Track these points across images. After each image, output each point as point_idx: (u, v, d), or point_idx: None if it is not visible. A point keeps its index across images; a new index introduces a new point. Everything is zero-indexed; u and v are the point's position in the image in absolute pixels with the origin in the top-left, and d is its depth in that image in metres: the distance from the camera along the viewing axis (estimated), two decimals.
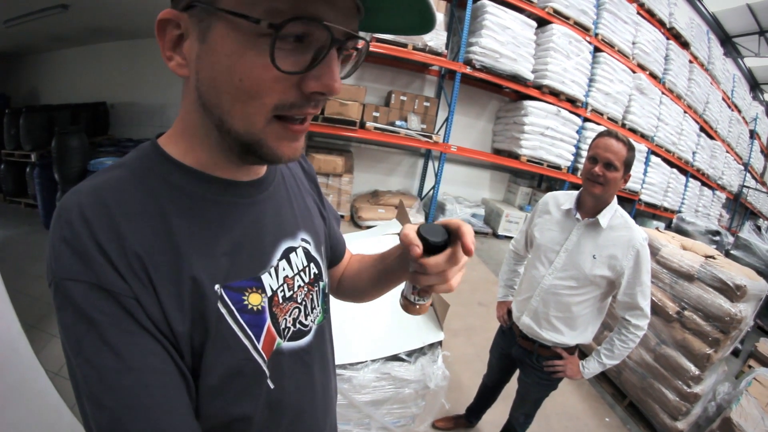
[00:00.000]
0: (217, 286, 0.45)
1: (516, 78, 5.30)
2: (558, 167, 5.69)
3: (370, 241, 1.93)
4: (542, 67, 5.50)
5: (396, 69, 5.45)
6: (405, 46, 4.64)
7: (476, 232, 5.51)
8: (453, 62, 5.06)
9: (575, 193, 1.48)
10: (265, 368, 0.50)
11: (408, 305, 0.55)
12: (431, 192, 5.46)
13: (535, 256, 1.51)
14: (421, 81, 5.76)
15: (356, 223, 4.94)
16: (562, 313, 1.43)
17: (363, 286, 0.76)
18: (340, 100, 4.50)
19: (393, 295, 1.70)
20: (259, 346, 0.49)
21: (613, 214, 1.37)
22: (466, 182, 6.40)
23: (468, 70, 5.07)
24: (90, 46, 4.69)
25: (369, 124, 4.67)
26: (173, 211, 0.44)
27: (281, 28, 0.36)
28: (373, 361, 1.35)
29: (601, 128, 6.14)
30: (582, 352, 1.57)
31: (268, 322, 0.50)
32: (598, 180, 1.30)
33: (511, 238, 6.05)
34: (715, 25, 9.79)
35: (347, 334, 1.37)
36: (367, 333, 1.41)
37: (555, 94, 5.65)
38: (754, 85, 12.49)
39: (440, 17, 4.86)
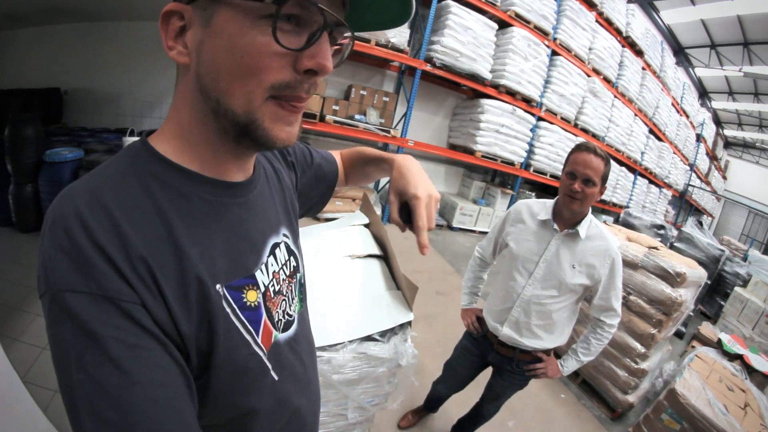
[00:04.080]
0: (218, 286, 0.43)
1: (474, 77, 5.15)
2: (511, 163, 5.59)
3: (337, 233, 1.83)
4: (500, 67, 5.36)
5: (357, 63, 5.21)
6: (368, 41, 4.42)
7: None
8: (414, 59, 4.87)
9: (548, 202, 1.38)
10: (266, 361, 0.49)
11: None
12: (388, 185, 5.24)
13: (512, 266, 1.40)
14: (381, 76, 5.54)
15: (314, 215, 4.72)
16: (543, 320, 1.38)
17: (363, 174, 0.83)
18: None
19: (363, 280, 1.52)
20: (259, 341, 0.48)
21: (589, 224, 1.31)
22: None
23: (428, 67, 4.89)
24: (43, 27, 4.16)
25: (329, 117, 4.44)
26: (172, 211, 0.41)
27: (284, 2, 0.37)
28: (350, 341, 1.34)
29: (555, 127, 6.08)
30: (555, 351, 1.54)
31: (264, 316, 0.49)
32: (577, 196, 1.24)
33: (465, 230, 5.97)
34: (669, 36, 9.80)
35: (326, 319, 1.37)
36: (343, 317, 1.41)
37: (511, 93, 5.52)
38: (703, 93, 12.63)
39: None
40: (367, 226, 1.89)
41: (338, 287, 1.51)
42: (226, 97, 0.40)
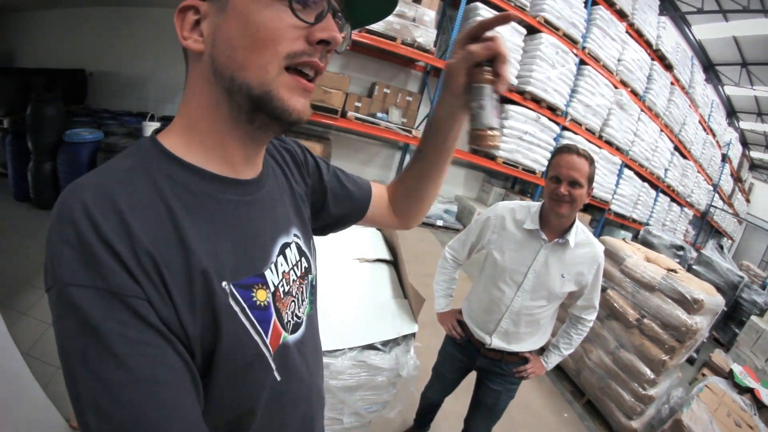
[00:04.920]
0: (225, 283, 0.42)
1: None
2: (533, 171, 5.45)
3: (347, 233, 1.79)
4: (527, 73, 5.24)
5: (382, 61, 5.15)
6: (393, 39, 4.36)
7: (447, 228, 5.25)
8: (440, 60, 4.80)
9: (532, 206, 1.33)
10: (271, 362, 0.48)
11: (481, 135, 0.52)
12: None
13: (497, 277, 1.35)
14: (405, 75, 5.47)
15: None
16: (531, 328, 1.37)
17: (416, 180, 0.73)
18: (324, 88, 4.22)
19: (370, 286, 1.43)
20: (267, 341, 0.47)
21: (576, 231, 1.28)
22: None
23: None
24: (72, 9, 4.21)
25: (350, 114, 4.38)
26: (179, 208, 0.40)
27: None
28: (350, 349, 1.32)
29: (579, 138, 5.92)
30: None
31: (274, 316, 0.49)
32: (564, 199, 1.19)
33: None
34: (700, 51, 9.52)
35: (327, 323, 1.36)
36: (345, 322, 1.39)
37: (537, 101, 5.40)
38: (731, 113, 12.24)
39: (431, 15, 4.57)
40: (379, 228, 1.83)
41: (343, 291, 1.47)
42: (242, 71, 0.41)
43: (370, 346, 1.35)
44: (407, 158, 5.60)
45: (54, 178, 3.12)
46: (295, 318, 0.54)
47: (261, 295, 0.47)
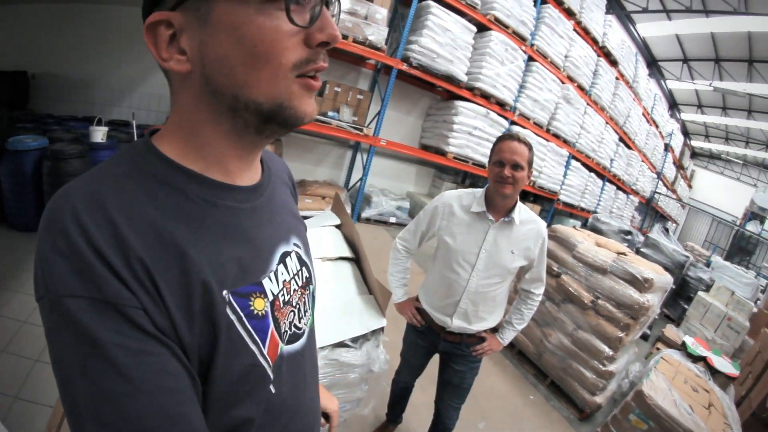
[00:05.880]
0: (225, 292, 0.41)
1: (450, 78, 5.18)
2: (483, 165, 5.64)
3: (309, 233, 1.73)
4: (477, 70, 5.40)
5: (333, 60, 5.14)
6: (345, 38, 4.36)
7: (401, 225, 5.38)
8: (391, 58, 4.85)
9: (477, 191, 1.42)
10: (270, 373, 0.47)
11: None
12: (358, 183, 5.23)
13: (451, 260, 1.42)
14: (356, 73, 5.49)
15: (306, 231, 4.63)
16: (489, 305, 1.45)
17: None
18: None
19: (334, 284, 1.49)
20: (265, 352, 0.46)
21: (520, 210, 1.39)
22: (392, 175, 6.22)
23: (405, 67, 4.88)
24: (12, 6, 3.91)
25: None
26: (176, 215, 0.39)
27: None
28: (321, 348, 1.32)
29: (527, 132, 6.21)
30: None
31: (272, 326, 0.47)
32: (508, 181, 1.29)
33: None
34: (644, 48, 10.10)
35: None
36: (315, 321, 1.35)
37: (486, 96, 5.58)
38: (673, 105, 13.10)
39: (383, 12, 4.60)
40: (338, 227, 1.85)
41: None
42: (246, 89, 0.39)
43: (341, 344, 1.36)
44: (358, 157, 5.62)
45: None
46: (294, 329, 0.53)
47: (259, 304, 0.45)
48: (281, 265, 0.51)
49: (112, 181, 0.38)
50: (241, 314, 0.43)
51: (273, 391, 0.48)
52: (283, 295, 0.50)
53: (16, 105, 3.97)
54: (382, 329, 1.47)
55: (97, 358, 0.32)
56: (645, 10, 8.37)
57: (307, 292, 0.58)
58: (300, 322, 0.55)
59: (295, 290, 0.53)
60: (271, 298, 0.47)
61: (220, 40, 0.38)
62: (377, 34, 4.57)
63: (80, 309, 0.32)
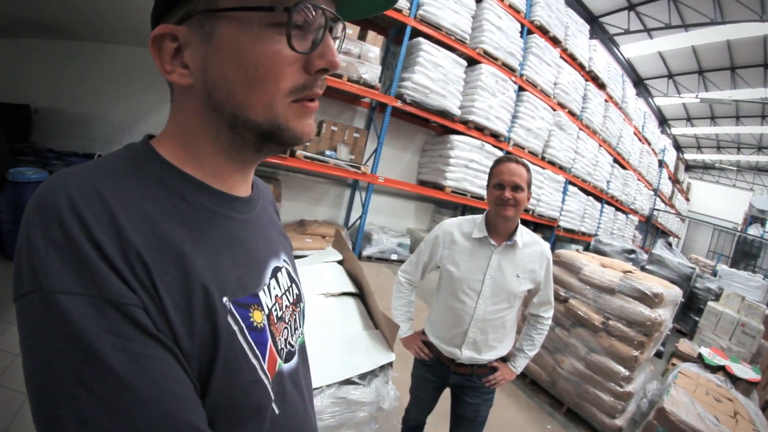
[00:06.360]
0: (225, 299, 0.39)
1: (444, 113, 5.27)
2: (481, 198, 5.67)
3: (309, 269, 1.77)
4: (469, 103, 5.51)
5: (328, 99, 5.25)
6: (340, 77, 4.46)
7: (402, 261, 5.30)
8: (385, 96, 4.94)
9: (477, 218, 1.41)
10: (270, 390, 0.44)
11: None
12: (358, 222, 5.23)
13: (457, 289, 1.39)
14: (352, 112, 5.58)
15: (292, 251, 4.61)
16: (498, 333, 1.41)
17: None
18: None
19: (339, 320, 1.44)
20: (265, 367, 0.43)
21: (522, 232, 1.37)
22: (391, 212, 6.22)
23: (399, 103, 4.98)
24: (18, 40, 4.02)
25: (299, 152, 4.42)
26: (175, 217, 0.38)
27: (295, 9, 0.37)
28: (328, 386, 1.26)
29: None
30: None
31: (270, 341, 0.45)
32: (509, 203, 1.28)
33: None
34: (629, 69, 10.43)
35: None
36: (320, 359, 1.30)
37: (480, 129, 5.67)
38: (663, 121, 13.40)
39: (376, 51, 4.74)
40: (340, 262, 1.83)
41: (313, 327, 1.42)
42: (244, 109, 0.39)
43: (348, 381, 1.31)
44: (357, 195, 5.62)
45: None
46: (288, 346, 0.52)
47: (257, 317, 0.44)
48: (273, 280, 0.50)
49: (110, 175, 0.36)
50: (243, 325, 0.41)
51: (277, 411, 0.46)
52: (276, 310, 0.49)
53: (18, 138, 4.03)
54: (390, 364, 1.43)
55: (96, 364, 0.29)
56: (627, 32, 8.71)
57: (298, 309, 0.57)
58: (292, 339, 0.53)
59: (286, 306, 0.52)
60: (266, 311, 0.46)
61: (222, 59, 0.38)
62: (371, 72, 4.68)
63: (76, 307, 0.29)
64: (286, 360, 0.51)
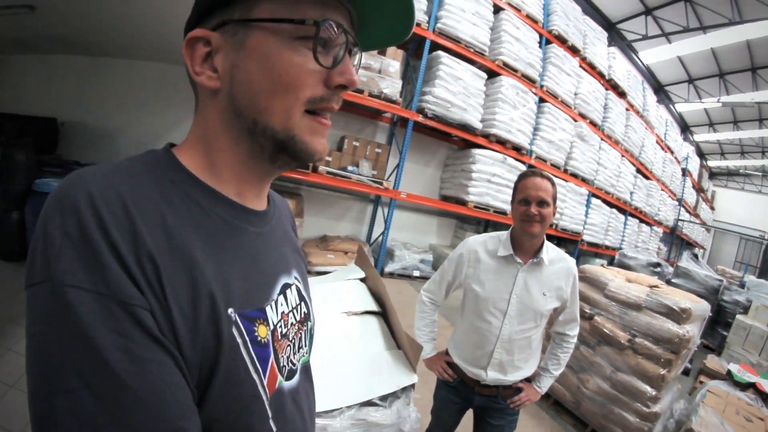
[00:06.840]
0: (230, 311, 0.39)
1: (465, 127, 5.24)
2: (504, 212, 5.59)
3: (330, 287, 1.77)
4: (490, 116, 5.48)
5: (350, 114, 5.28)
6: (361, 92, 4.49)
7: (424, 278, 5.27)
8: (406, 110, 4.95)
9: (501, 235, 1.38)
10: (267, 407, 0.44)
11: None
12: (380, 238, 5.20)
13: (482, 309, 1.36)
14: (373, 127, 5.60)
15: (306, 269, 4.62)
16: (525, 353, 1.38)
17: None
18: None
19: (361, 339, 1.42)
20: (265, 383, 0.43)
21: (548, 249, 1.34)
22: (414, 228, 6.18)
23: (420, 118, 4.97)
24: (47, 56, 4.19)
25: (321, 168, 4.44)
26: (189, 223, 0.39)
27: (322, 24, 0.40)
28: (348, 407, 1.25)
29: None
30: None
31: (272, 357, 0.45)
32: (535, 219, 1.25)
33: None
34: (649, 75, 10.27)
35: (321, 381, 1.30)
36: (340, 379, 1.32)
37: (501, 142, 5.62)
38: (685, 128, 13.11)
39: (396, 66, 4.77)
40: (363, 280, 1.82)
41: (334, 347, 1.43)
42: (265, 115, 0.41)
43: (369, 403, 1.29)
44: (379, 211, 5.61)
45: (21, 229, 3.00)
46: (290, 364, 0.51)
47: (262, 331, 0.44)
48: (281, 296, 0.50)
49: (130, 177, 0.37)
50: (247, 338, 0.41)
51: (274, 429, 0.46)
52: (281, 327, 0.49)
53: (45, 150, 4.16)
54: (413, 386, 1.42)
55: (94, 359, 0.30)
56: (645, 37, 8.58)
57: (305, 328, 0.56)
58: (295, 358, 0.53)
59: (292, 324, 0.52)
60: (271, 327, 0.46)
61: (251, 65, 0.40)
62: (391, 87, 4.70)
63: (83, 303, 0.30)
64: (288, 378, 0.50)
